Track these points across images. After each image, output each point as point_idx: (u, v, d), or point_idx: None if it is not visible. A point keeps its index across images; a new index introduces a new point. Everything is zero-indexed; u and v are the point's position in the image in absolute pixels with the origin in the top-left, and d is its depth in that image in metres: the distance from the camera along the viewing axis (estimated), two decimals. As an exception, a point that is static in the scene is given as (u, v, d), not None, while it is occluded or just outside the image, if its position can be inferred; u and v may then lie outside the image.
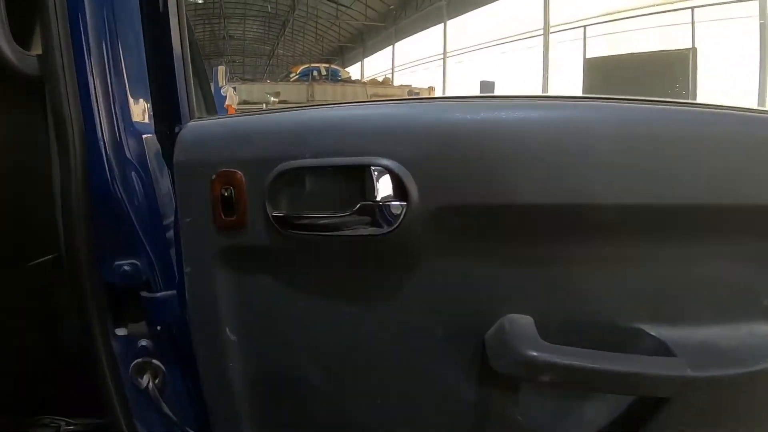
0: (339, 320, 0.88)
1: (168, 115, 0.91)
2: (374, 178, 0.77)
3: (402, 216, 0.77)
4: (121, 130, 0.88)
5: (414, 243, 0.81)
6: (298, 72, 19.90)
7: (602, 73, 10.70)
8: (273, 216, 0.80)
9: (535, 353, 0.75)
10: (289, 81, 18.70)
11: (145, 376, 0.92)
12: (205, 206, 0.83)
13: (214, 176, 0.82)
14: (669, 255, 0.79)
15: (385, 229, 0.78)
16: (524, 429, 0.86)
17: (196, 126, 0.88)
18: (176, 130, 0.87)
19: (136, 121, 0.90)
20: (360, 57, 27.47)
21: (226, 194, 0.81)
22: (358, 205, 0.78)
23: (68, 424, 1.12)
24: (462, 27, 17.00)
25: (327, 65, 21.09)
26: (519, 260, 0.82)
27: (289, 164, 0.80)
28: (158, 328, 0.91)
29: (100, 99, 0.86)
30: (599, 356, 0.76)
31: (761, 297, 0.82)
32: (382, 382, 0.89)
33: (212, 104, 2.26)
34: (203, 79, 1.88)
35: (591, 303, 0.83)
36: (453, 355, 0.85)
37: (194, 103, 0.91)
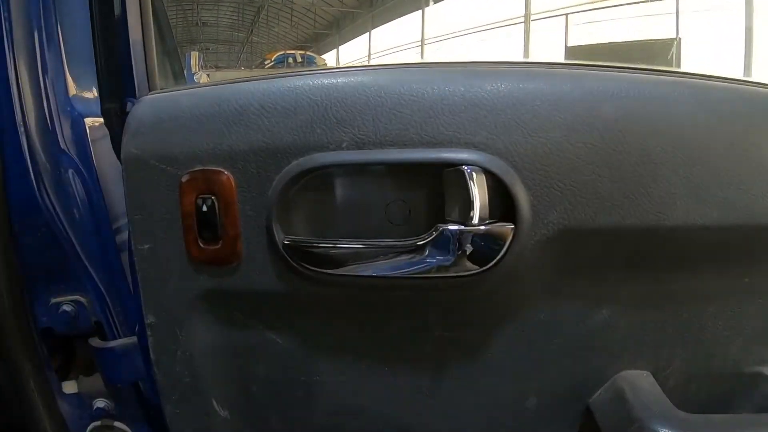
0: (392, 395, 0.64)
1: (118, 85, 0.62)
2: (462, 183, 0.51)
3: (507, 245, 0.52)
4: (53, 111, 0.62)
5: (515, 283, 0.57)
6: (272, 59, 19.84)
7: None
8: (285, 244, 0.54)
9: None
10: (264, 68, 18.53)
11: None
12: (172, 226, 0.57)
13: (185, 178, 0.55)
14: None
15: (478, 266, 0.53)
16: None
17: (155, 100, 0.60)
18: (128, 107, 0.60)
19: (75, 97, 0.65)
20: (336, 44, 27.15)
21: (205, 208, 0.55)
22: (440, 230, 0.53)
23: None
24: (441, 13, 16.81)
25: (302, 52, 21.05)
26: (646, 299, 0.60)
27: (312, 159, 0.54)
28: (118, 385, 0.69)
29: (21, 67, 0.60)
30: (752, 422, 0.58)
31: None
32: None
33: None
34: (174, 58, 1.59)
35: (714, 346, 0.64)
36: (548, 428, 0.64)
37: (156, 71, 0.63)
